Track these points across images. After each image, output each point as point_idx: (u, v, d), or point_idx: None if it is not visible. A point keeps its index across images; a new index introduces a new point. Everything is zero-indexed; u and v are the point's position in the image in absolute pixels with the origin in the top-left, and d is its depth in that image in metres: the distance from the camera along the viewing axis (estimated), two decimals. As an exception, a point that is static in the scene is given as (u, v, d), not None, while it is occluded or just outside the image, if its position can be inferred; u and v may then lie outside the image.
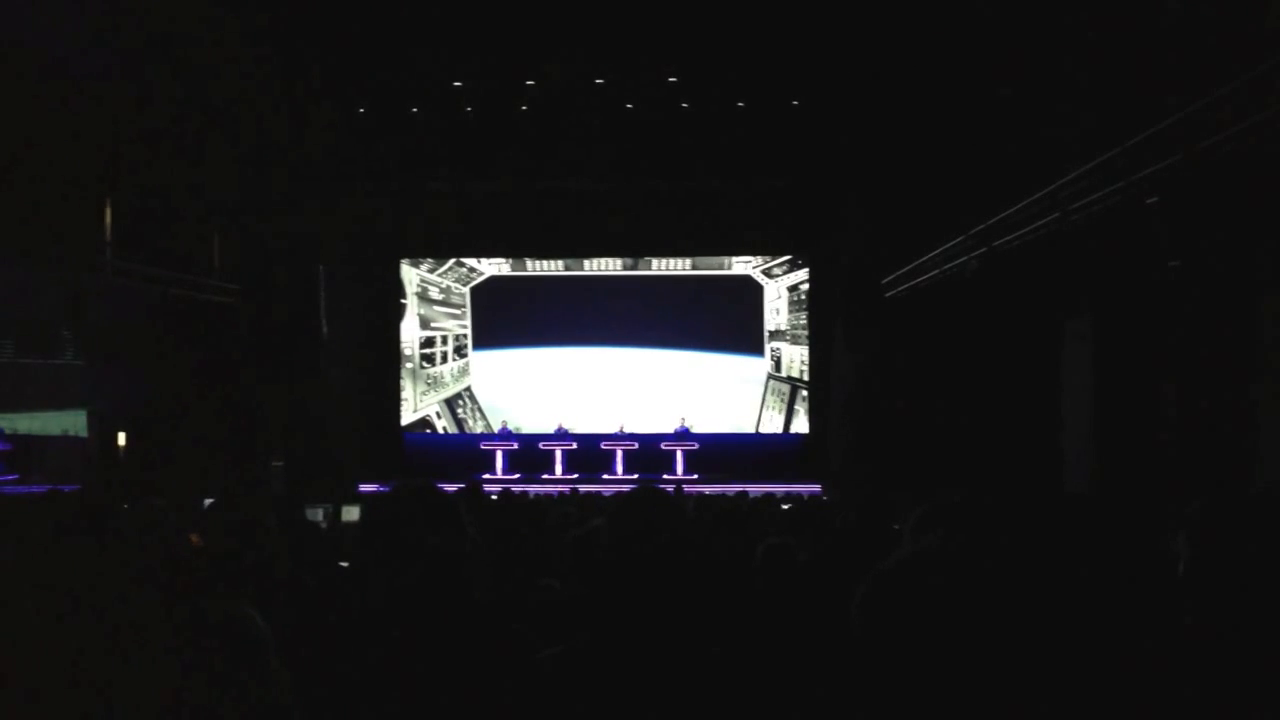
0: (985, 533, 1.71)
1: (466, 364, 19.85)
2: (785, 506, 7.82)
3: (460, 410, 19.86)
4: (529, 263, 19.73)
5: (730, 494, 11.68)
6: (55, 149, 12.34)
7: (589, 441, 18.35)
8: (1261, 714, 1.93)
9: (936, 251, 13.43)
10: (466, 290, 19.76)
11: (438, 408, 19.84)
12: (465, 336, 19.83)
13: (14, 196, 11.75)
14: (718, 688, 1.92)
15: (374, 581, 2.18)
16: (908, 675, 1.29)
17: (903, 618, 1.30)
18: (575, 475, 17.58)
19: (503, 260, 19.70)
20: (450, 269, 19.72)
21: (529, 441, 18.45)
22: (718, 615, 3.16)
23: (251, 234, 16.34)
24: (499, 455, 18.18)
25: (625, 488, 13.84)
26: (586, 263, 19.70)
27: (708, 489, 14.31)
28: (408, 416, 19.62)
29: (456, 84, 15.13)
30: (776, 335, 19.58)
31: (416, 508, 2.23)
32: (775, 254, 19.42)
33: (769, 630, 3.36)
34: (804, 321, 19.30)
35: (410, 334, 19.66)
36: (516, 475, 18.02)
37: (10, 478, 13.10)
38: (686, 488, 12.87)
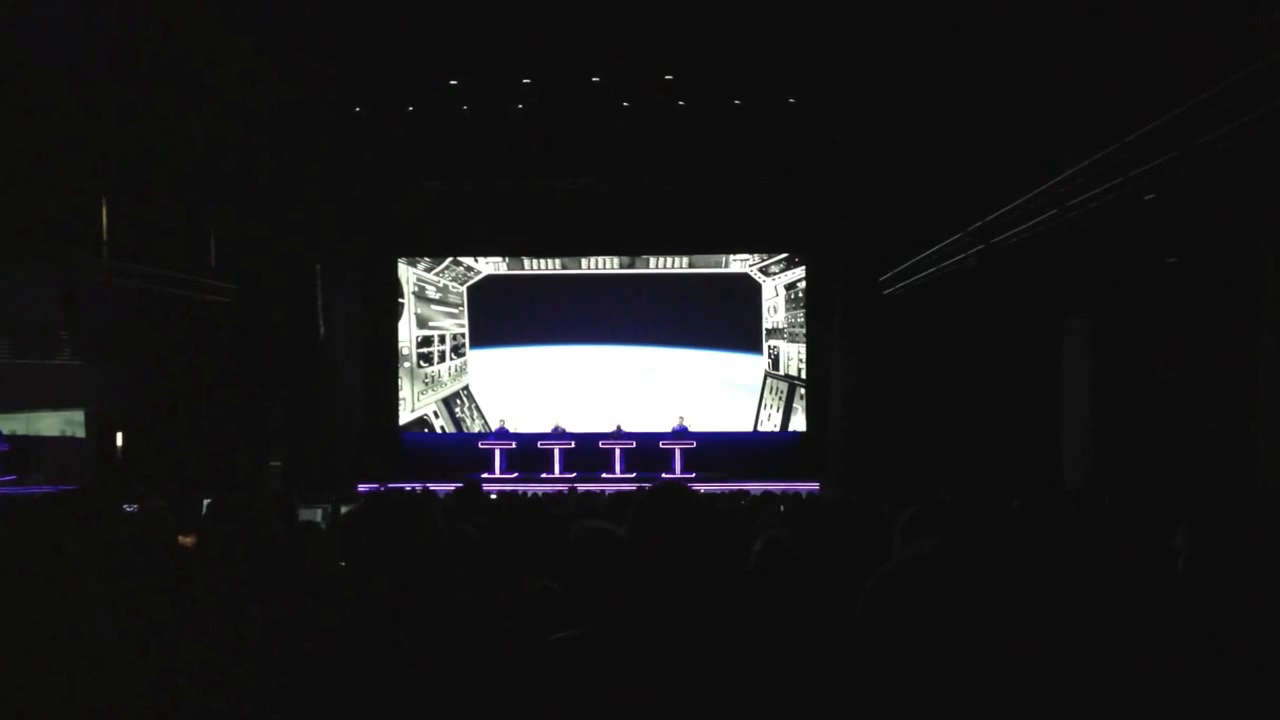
0: (986, 534, 1.71)
1: (464, 363, 19.84)
2: (783, 508, 7.78)
3: (458, 409, 19.85)
4: (526, 261, 19.73)
5: (728, 492, 11.68)
6: (52, 149, 12.32)
7: (587, 440, 18.34)
8: (1262, 712, 1.93)
9: (935, 249, 13.43)
10: (464, 289, 19.74)
11: (435, 407, 19.83)
12: (463, 335, 19.82)
13: (11, 197, 11.73)
14: (723, 679, 1.92)
15: (352, 582, 2.22)
16: (912, 677, 1.29)
17: (906, 620, 1.30)
18: (573, 474, 17.56)
19: (500, 259, 19.69)
20: (447, 268, 19.71)
21: (527, 441, 18.44)
22: (726, 609, 3.17)
23: (248, 233, 16.32)
24: (497, 454, 18.16)
25: (625, 486, 13.83)
26: (584, 261, 19.70)
27: (705, 488, 14.31)
28: (405, 416, 19.61)
29: (453, 82, 15.11)
30: (774, 333, 19.58)
31: (383, 514, 2.27)
32: (772, 252, 19.42)
33: (764, 625, 3.36)
34: (802, 319, 19.30)
35: (407, 333, 19.65)
36: (515, 474, 18.01)
37: (9, 478, 13.09)
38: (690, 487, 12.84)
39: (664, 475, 17.00)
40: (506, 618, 2.54)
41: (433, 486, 11.11)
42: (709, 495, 10.20)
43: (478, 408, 19.81)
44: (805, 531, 4.23)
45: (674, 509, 2.05)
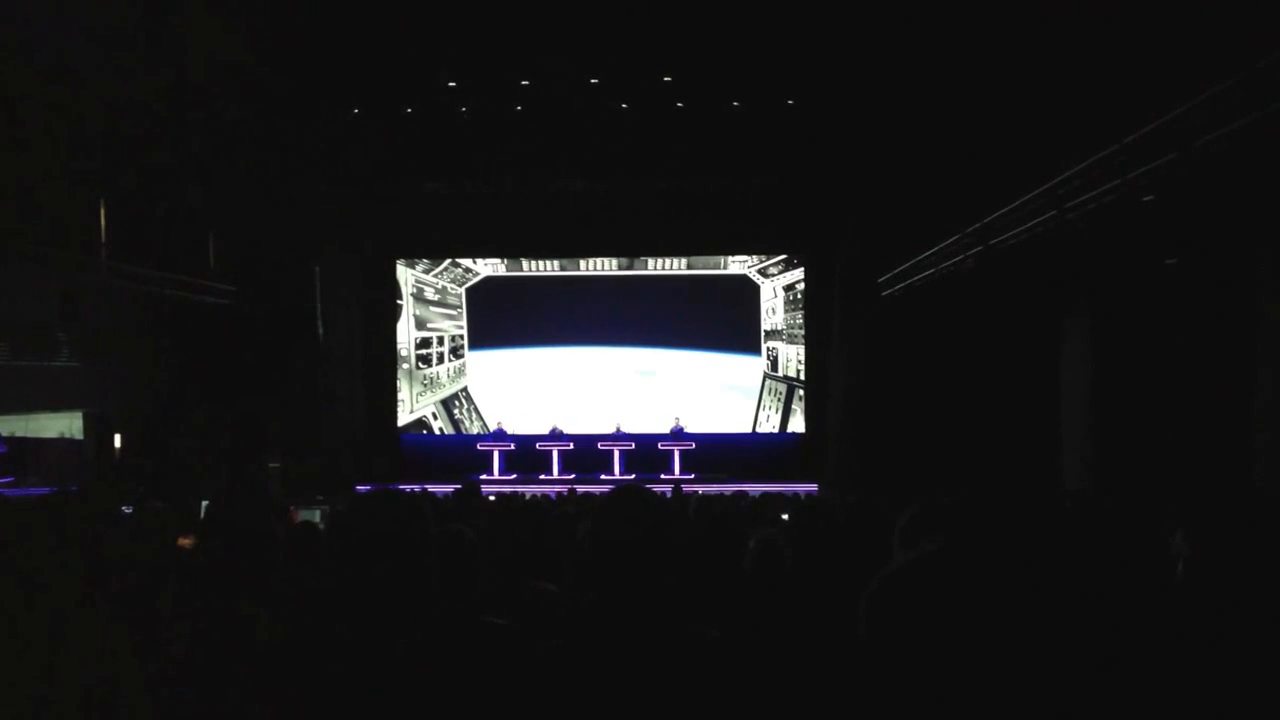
0: (988, 535, 1.71)
1: (463, 364, 19.84)
2: (784, 516, 7.74)
3: (457, 411, 19.84)
4: (524, 263, 19.72)
5: (728, 494, 11.65)
6: (51, 149, 12.31)
7: (586, 442, 18.33)
8: (1261, 713, 1.93)
9: (933, 250, 13.44)
10: (462, 291, 19.74)
11: (434, 409, 19.82)
12: (461, 337, 19.82)
13: (10, 197, 11.72)
14: (703, 679, 1.92)
15: (341, 578, 2.23)
16: (915, 677, 1.30)
17: (910, 620, 1.30)
18: (572, 475, 17.56)
19: (498, 260, 19.69)
20: (446, 269, 19.71)
21: (525, 442, 18.44)
22: (704, 607, 3.17)
23: (248, 235, 16.32)
24: (496, 456, 18.16)
25: (623, 488, 13.79)
26: (582, 263, 19.70)
27: (704, 489, 14.29)
28: (404, 417, 19.60)
29: (451, 84, 15.11)
30: (773, 334, 19.58)
31: (378, 509, 2.29)
32: (771, 253, 19.42)
33: (758, 624, 3.37)
34: (800, 321, 19.30)
35: (406, 335, 19.64)
36: (513, 476, 18.01)
37: (7, 480, 13.07)
38: (684, 488, 12.85)
39: (663, 476, 17.00)
40: (502, 619, 2.54)
41: (431, 488, 11.11)
42: (669, 498, 10.18)
43: (476, 409, 19.81)
44: (801, 532, 4.23)
45: (631, 514, 2.06)
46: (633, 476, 17.40)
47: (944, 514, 2.58)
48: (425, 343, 19.75)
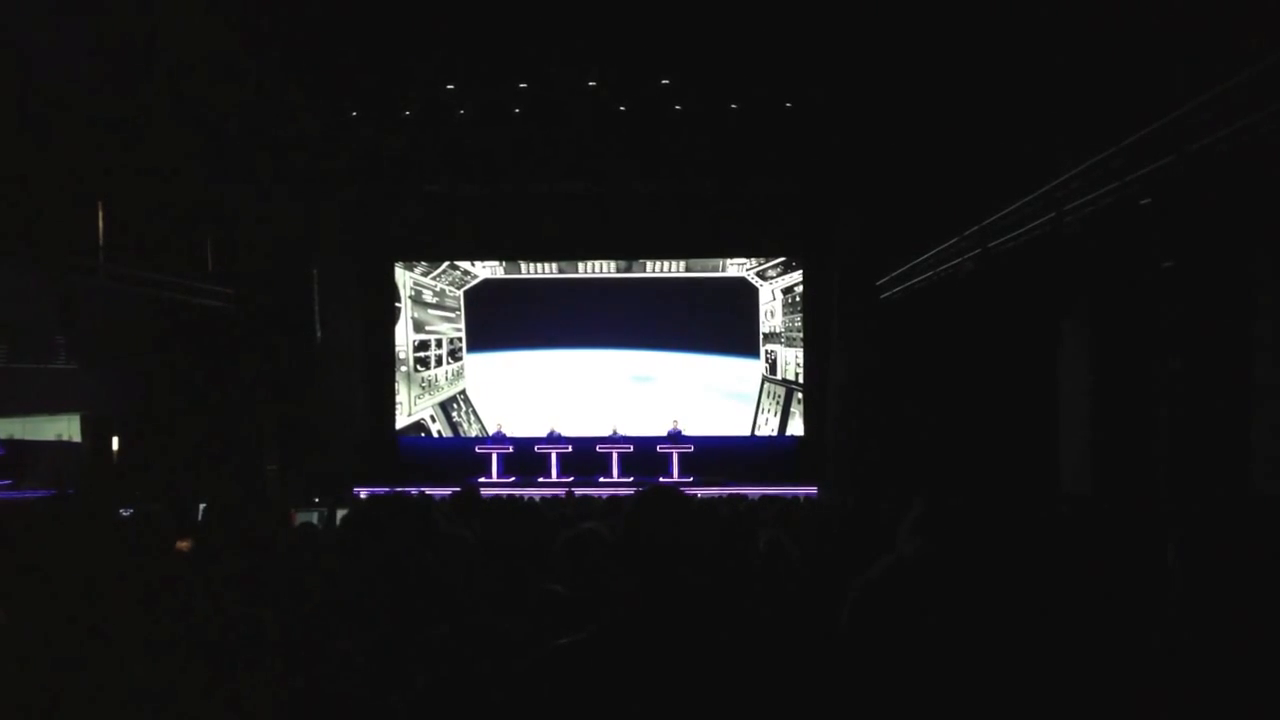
0: (967, 539, 1.71)
1: (461, 367, 19.82)
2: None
3: (455, 414, 19.83)
4: (523, 265, 19.72)
5: (725, 496, 11.66)
6: (49, 152, 12.31)
7: (584, 445, 18.34)
8: (1258, 717, 1.93)
9: (931, 253, 13.45)
10: (460, 293, 19.73)
11: (432, 411, 19.81)
12: (459, 340, 19.80)
13: (7, 199, 11.72)
14: (724, 679, 1.92)
15: (352, 580, 2.23)
16: (893, 677, 1.30)
17: (887, 623, 1.31)
18: (570, 478, 17.56)
19: (497, 263, 19.68)
20: (444, 272, 19.70)
21: (524, 445, 18.44)
22: (726, 609, 3.17)
23: (245, 237, 16.32)
24: (494, 459, 18.16)
25: (621, 490, 13.77)
26: (581, 265, 19.69)
27: (703, 491, 14.30)
28: (402, 420, 19.59)
29: (450, 86, 15.11)
30: (771, 337, 19.58)
31: (387, 514, 2.29)
32: (769, 256, 19.42)
33: (765, 624, 3.37)
34: (799, 324, 19.31)
35: (404, 337, 19.63)
36: (512, 478, 18.00)
37: (5, 483, 13.06)
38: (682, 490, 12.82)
39: (660, 479, 17.00)
40: (510, 621, 2.54)
41: (430, 490, 11.10)
42: (704, 500, 10.19)
43: (475, 412, 19.79)
44: (806, 535, 4.24)
45: (664, 514, 2.04)
46: (630, 479, 17.40)
47: (949, 517, 2.58)
48: (423, 345, 19.74)
